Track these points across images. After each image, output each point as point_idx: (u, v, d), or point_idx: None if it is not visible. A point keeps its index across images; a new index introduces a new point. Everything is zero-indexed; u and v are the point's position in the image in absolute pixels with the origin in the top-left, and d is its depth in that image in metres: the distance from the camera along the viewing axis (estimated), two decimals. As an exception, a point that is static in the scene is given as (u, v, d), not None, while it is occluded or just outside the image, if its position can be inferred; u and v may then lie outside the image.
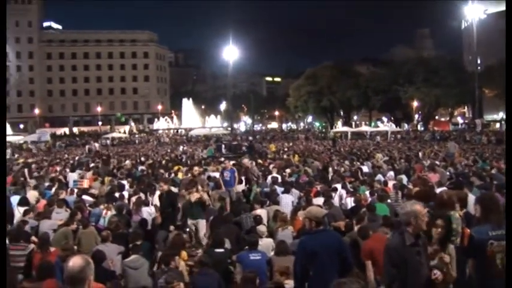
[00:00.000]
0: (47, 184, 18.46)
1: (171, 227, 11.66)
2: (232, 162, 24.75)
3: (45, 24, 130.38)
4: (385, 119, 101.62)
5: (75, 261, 3.75)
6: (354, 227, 9.71)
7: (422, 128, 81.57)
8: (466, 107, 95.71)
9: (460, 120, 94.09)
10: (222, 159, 26.88)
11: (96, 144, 56.60)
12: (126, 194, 15.02)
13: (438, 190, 11.53)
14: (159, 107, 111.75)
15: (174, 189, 15.27)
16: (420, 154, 29.86)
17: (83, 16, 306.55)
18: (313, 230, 6.35)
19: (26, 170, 23.89)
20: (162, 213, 12.69)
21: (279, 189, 14.85)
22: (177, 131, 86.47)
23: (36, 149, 57.93)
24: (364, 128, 79.94)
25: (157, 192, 14.96)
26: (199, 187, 13.27)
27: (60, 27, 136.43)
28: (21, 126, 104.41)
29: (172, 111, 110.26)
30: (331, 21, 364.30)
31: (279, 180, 17.30)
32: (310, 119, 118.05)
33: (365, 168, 21.73)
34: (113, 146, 62.13)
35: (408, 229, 5.16)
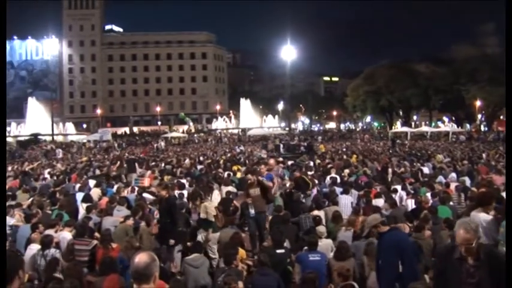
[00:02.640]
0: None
1: (171, 241, 10.53)
2: (279, 164, 24.48)
3: (107, 27, 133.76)
4: (446, 119, 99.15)
5: (141, 258, 3.82)
6: (423, 230, 9.38)
7: (485, 129, 79.03)
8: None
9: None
10: (280, 159, 26.83)
11: (163, 143, 58.29)
12: (185, 192, 15.18)
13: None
14: (217, 107, 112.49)
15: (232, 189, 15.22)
16: (484, 155, 28.84)
17: (142, 18, 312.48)
18: (390, 227, 6.38)
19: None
20: (159, 223, 11.27)
21: (338, 190, 14.69)
22: (243, 131, 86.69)
23: (99, 148, 59.65)
24: (424, 128, 78.18)
25: (216, 192, 15.07)
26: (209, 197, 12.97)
27: (121, 29, 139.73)
28: (84, 125, 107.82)
29: (231, 111, 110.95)
30: (389, 19, 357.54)
31: (338, 180, 17.13)
32: (368, 119, 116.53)
33: (425, 170, 21.25)
34: (172, 146, 63.11)
35: None
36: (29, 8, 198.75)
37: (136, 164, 25.25)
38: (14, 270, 4.02)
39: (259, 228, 11.93)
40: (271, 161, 19.80)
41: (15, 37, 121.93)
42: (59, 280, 7.46)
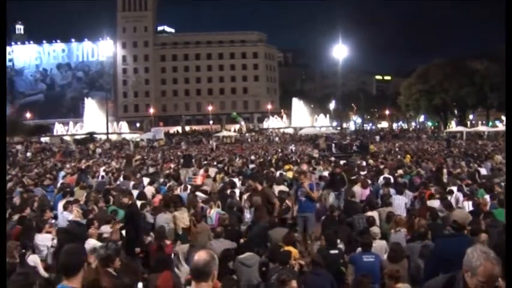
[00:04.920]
0: (161, 180, 19.30)
1: (137, 249, 10.01)
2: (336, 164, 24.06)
3: (159, 28, 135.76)
4: (504, 118, 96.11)
5: (200, 256, 3.85)
6: (479, 233, 8.98)
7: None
8: None
9: None
10: (332, 158, 26.63)
11: (215, 143, 59.05)
12: (237, 191, 15.23)
13: None
14: (269, 106, 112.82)
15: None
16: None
17: (194, 19, 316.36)
18: (449, 234, 6.10)
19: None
20: (122, 229, 10.72)
21: (391, 191, 14.42)
22: (294, 130, 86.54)
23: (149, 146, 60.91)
24: (480, 127, 76.09)
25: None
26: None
27: (173, 30, 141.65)
28: (138, 125, 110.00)
29: (282, 111, 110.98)
30: (442, 16, 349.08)
31: (391, 181, 16.81)
32: (422, 118, 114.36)
33: (483, 171, 20.61)
34: (224, 145, 63.59)
35: (466, 278, 3.64)
36: (85, 12, 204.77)
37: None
38: (78, 263, 4.16)
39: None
40: (304, 167, 19.30)
41: (72, 39, 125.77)
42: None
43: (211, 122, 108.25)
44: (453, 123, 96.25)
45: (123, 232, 10.55)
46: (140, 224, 10.75)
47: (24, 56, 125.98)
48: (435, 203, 12.36)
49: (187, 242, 10.66)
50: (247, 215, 12.28)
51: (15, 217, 11.70)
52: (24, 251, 8.75)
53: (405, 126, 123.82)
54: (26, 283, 4.56)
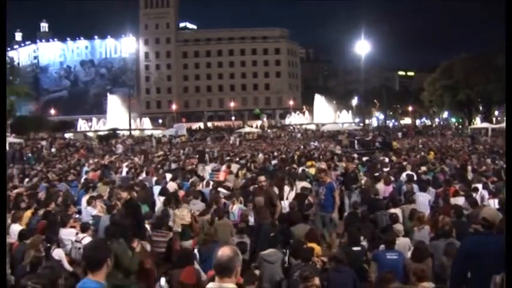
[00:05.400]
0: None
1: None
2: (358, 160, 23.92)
3: (181, 24, 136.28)
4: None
5: (224, 251, 3.89)
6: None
7: None
8: None
9: None
10: (355, 155, 26.47)
11: (238, 139, 59.08)
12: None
13: None
14: (291, 103, 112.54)
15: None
16: None
17: (216, 15, 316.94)
18: (478, 232, 6.03)
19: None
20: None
21: (415, 187, 14.27)
22: (317, 126, 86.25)
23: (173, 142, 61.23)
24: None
25: (287, 188, 14.93)
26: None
27: (195, 27, 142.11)
28: (160, 121, 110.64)
29: (304, 107, 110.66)
30: (467, 10, 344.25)
31: (415, 178, 16.64)
32: (446, 114, 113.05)
33: (509, 167, 20.22)
34: (246, 141, 63.57)
35: None
36: (108, 9, 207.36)
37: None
38: (102, 258, 4.22)
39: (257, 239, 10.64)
40: (323, 165, 19.07)
41: (95, 37, 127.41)
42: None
43: (233, 118, 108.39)
44: (478, 119, 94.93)
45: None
46: (142, 217, 10.86)
47: (49, 53, 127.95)
48: (459, 200, 12.20)
49: (190, 239, 10.69)
50: (251, 218, 11.78)
51: (41, 212, 11.90)
52: (49, 245, 8.89)
53: (428, 122, 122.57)
54: (52, 276, 4.62)
